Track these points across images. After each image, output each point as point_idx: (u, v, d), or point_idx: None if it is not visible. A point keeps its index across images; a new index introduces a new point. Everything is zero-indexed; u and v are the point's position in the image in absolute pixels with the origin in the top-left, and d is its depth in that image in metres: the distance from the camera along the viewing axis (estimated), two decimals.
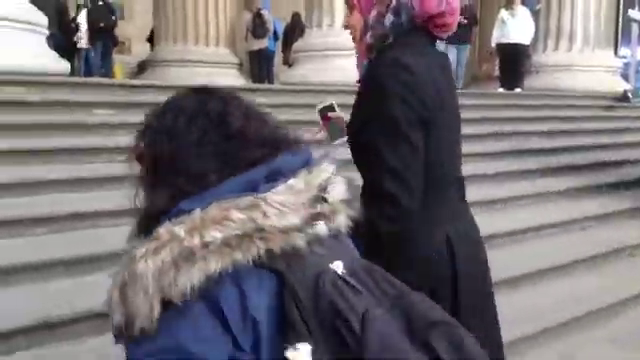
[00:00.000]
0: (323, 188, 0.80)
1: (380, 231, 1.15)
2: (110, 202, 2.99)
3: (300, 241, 0.75)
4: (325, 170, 0.82)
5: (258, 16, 9.15)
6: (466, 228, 1.29)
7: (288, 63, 9.96)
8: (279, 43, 10.13)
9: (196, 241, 0.71)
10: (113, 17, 9.21)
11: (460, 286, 1.22)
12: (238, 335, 0.71)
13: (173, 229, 0.73)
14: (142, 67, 10.09)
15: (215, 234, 0.72)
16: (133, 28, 11.00)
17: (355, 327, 0.71)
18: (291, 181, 0.79)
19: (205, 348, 0.70)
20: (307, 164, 0.83)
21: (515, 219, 4.03)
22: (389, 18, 1.22)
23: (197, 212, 0.74)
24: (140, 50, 10.77)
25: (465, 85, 9.65)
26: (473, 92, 8.11)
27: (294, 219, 0.75)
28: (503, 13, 8.73)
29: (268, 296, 0.73)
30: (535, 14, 9.17)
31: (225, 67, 7.76)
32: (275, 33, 9.66)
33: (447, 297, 1.21)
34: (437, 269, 1.21)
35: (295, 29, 9.81)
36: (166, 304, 0.71)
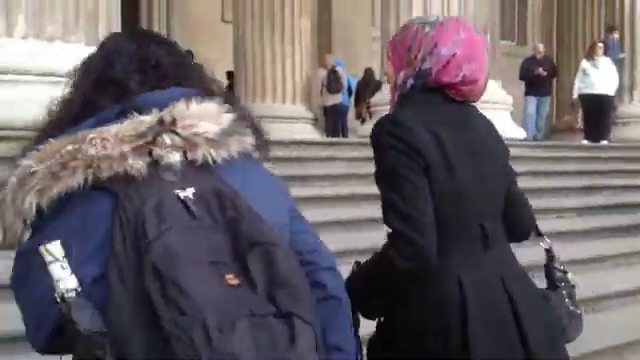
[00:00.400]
0: (171, 122, 0.87)
1: (399, 270, 1.22)
2: None
3: (132, 167, 0.84)
4: (182, 107, 0.89)
5: (333, 72, 9.42)
6: (489, 279, 1.29)
7: (361, 117, 10.10)
8: (352, 98, 10.34)
9: (31, 170, 0.85)
10: None
11: (470, 334, 1.23)
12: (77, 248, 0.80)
13: (22, 160, 0.88)
14: None
15: (40, 165, 0.85)
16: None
17: (149, 235, 0.78)
18: (141, 117, 0.88)
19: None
20: (178, 101, 0.90)
21: (624, 279, 3.78)
22: (410, 82, 1.33)
23: (47, 145, 0.87)
24: None
25: (545, 137, 9.37)
26: (557, 144, 7.85)
27: (122, 148, 0.85)
28: (585, 64, 8.50)
29: (103, 214, 0.83)
30: (618, 63, 8.86)
31: (301, 122, 8.00)
32: (349, 88, 9.87)
33: (458, 347, 1.23)
34: (447, 313, 1.25)
35: (368, 84, 9.99)
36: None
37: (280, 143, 5.31)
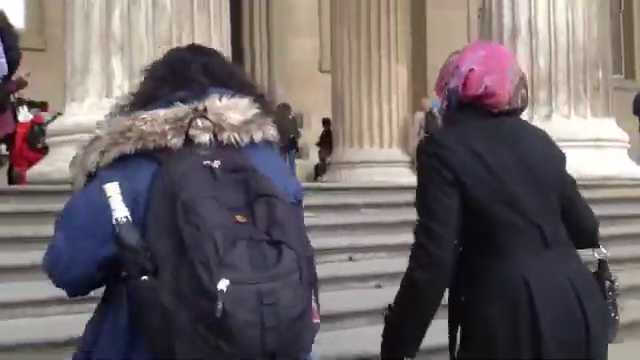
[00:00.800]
0: (203, 110, 1.12)
1: (415, 281, 1.35)
2: None
3: (171, 142, 1.10)
4: (214, 100, 1.15)
5: (430, 114, 9.43)
6: (554, 277, 1.36)
7: None
8: None
9: (98, 136, 1.15)
10: (300, 129, 10.27)
11: (542, 331, 1.30)
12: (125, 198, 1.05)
13: (96, 129, 1.17)
14: (318, 170, 10.84)
15: (106, 134, 1.13)
16: (311, 135, 11.89)
17: (182, 186, 1.03)
18: (182, 106, 1.14)
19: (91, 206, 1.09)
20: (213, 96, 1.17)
21: None
22: (444, 102, 1.49)
23: (114, 120, 1.17)
24: (314, 155, 11.58)
25: None
26: None
27: (164, 127, 1.11)
28: None
29: (146, 176, 1.09)
30: None
31: (398, 166, 8.02)
32: None
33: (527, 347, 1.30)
34: (516, 311, 1.32)
35: None
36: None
37: (378, 188, 5.35)
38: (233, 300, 0.96)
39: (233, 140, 1.15)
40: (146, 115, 1.13)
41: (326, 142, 10.55)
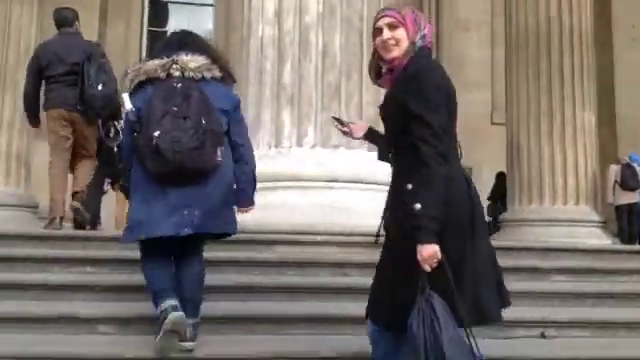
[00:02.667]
0: (176, 61, 2.71)
1: (442, 173, 1.96)
2: None
3: (157, 74, 2.69)
4: (182, 56, 2.74)
5: (628, 167, 8.27)
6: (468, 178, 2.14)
7: None
8: None
9: (127, 72, 2.80)
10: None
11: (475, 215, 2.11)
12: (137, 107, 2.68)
13: (127, 70, 2.83)
14: (490, 227, 10.03)
15: (131, 72, 2.76)
16: (482, 189, 11.24)
17: (155, 95, 2.67)
18: (165, 59, 2.73)
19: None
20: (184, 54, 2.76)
21: None
22: (419, 42, 2.15)
23: (137, 65, 2.82)
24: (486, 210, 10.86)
25: None
26: None
27: (157, 68, 2.69)
28: None
29: (149, 91, 2.68)
30: None
31: (586, 225, 7.01)
32: None
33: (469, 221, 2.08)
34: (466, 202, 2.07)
35: None
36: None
37: (569, 250, 4.61)
38: (160, 139, 2.50)
39: (191, 75, 2.69)
40: (148, 63, 2.74)
41: (498, 197, 9.79)
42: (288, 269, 3.63)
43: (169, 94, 2.59)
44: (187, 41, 2.80)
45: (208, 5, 11.86)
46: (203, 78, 2.68)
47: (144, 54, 11.23)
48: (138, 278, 2.89)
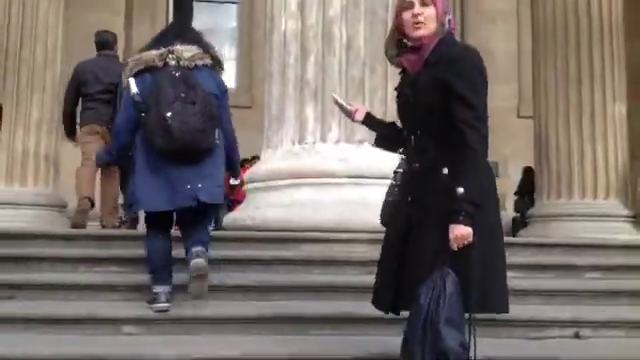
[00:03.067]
0: (172, 51, 3.12)
1: (484, 150, 1.99)
2: None
3: (155, 63, 3.11)
4: (177, 46, 3.16)
5: None
6: None
7: None
8: None
9: (128, 62, 3.29)
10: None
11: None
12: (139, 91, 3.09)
13: (129, 60, 3.35)
14: (515, 223, 9.85)
15: (132, 61, 3.22)
16: (509, 184, 11.02)
17: (159, 83, 3.06)
18: (162, 49, 3.15)
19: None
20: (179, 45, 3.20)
21: None
22: (447, 25, 2.12)
23: (137, 55, 3.26)
24: (512, 206, 10.67)
25: None
26: None
27: (154, 58, 3.11)
28: None
29: (147, 79, 3.10)
30: None
31: (615, 221, 6.81)
32: None
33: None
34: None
35: None
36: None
37: (602, 246, 4.48)
38: (172, 119, 2.91)
39: (186, 64, 3.10)
40: (146, 53, 3.15)
41: (525, 192, 9.60)
42: (314, 267, 3.58)
43: (173, 82, 3.02)
44: (181, 32, 3.28)
45: (232, 2, 11.86)
46: (196, 66, 3.13)
47: None
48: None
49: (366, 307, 3.07)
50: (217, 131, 3.07)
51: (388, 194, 2.24)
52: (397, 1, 2.19)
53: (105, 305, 3.16)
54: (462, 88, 1.96)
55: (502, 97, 11.61)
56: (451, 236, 1.91)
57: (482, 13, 11.76)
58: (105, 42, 5.42)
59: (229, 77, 11.69)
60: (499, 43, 11.65)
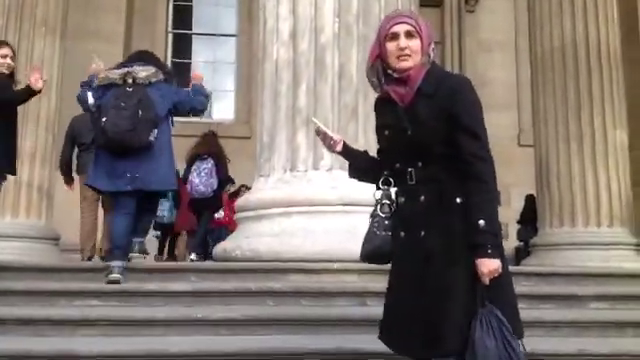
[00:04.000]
0: (131, 72, 4.09)
1: (491, 186, 1.94)
2: None
3: (116, 80, 4.07)
4: (135, 67, 4.14)
5: None
6: None
7: None
8: None
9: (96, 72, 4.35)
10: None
11: None
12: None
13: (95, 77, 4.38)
14: (519, 252, 9.68)
15: (99, 76, 4.21)
16: (511, 213, 10.89)
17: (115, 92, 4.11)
18: (124, 69, 4.14)
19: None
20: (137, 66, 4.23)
21: None
22: (432, 53, 2.08)
23: (102, 73, 4.26)
24: (514, 235, 10.52)
25: None
26: None
27: (115, 76, 4.09)
28: None
29: (109, 92, 4.08)
30: None
31: (621, 248, 6.65)
32: None
33: None
34: None
35: None
36: None
37: (605, 275, 4.31)
38: (105, 123, 3.92)
39: (141, 82, 4.06)
40: (110, 72, 4.12)
41: (528, 220, 9.45)
42: (303, 299, 3.43)
43: (121, 94, 3.98)
44: (141, 56, 4.30)
45: (231, 36, 11.95)
46: (150, 83, 4.08)
47: None
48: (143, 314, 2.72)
49: (358, 341, 2.93)
50: (155, 131, 3.95)
51: (378, 227, 2.12)
52: (380, 29, 2.11)
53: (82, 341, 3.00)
54: (467, 119, 1.96)
55: (502, 126, 11.55)
56: (483, 271, 1.86)
57: (479, 42, 11.81)
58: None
59: (228, 109, 11.69)
60: (497, 72, 11.67)
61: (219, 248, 4.51)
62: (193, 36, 11.94)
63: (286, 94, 4.53)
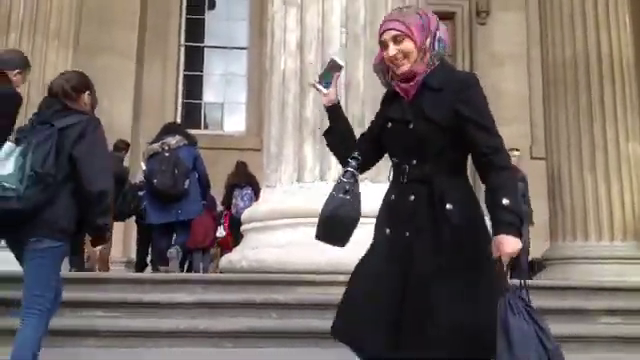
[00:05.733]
0: (165, 142, 5.64)
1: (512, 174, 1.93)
2: None
3: (156, 150, 5.64)
4: (169, 140, 5.68)
5: None
6: None
7: None
8: None
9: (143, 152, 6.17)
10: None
11: None
12: None
13: None
14: (532, 266, 9.53)
15: (145, 150, 6.33)
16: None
17: None
18: (161, 142, 5.77)
19: None
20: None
21: None
22: (440, 49, 2.03)
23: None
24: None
25: None
26: None
27: (155, 147, 5.69)
28: None
29: (152, 161, 5.81)
30: None
31: (632, 263, 6.54)
32: None
33: None
34: None
35: None
36: None
37: (617, 290, 4.22)
38: (155, 180, 5.56)
39: (174, 147, 5.71)
40: (151, 146, 5.80)
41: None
42: (309, 312, 3.39)
43: (163, 160, 5.47)
44: (170, 130, 5.86)
45: (242, 49, 12.03)
46: (178, 147, 5.59)
47: (180, 98, 11.52)
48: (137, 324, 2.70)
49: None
50: (187, 181, 5.48)
51: (337, 190, 2.09)
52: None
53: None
54: (477, 115, 1.95)
55: (514, 138, 11.43)
56: (506, 250, 1.81)
57: (491, 55, 11.76)
58: (115, 147, 6.76)
59: (240, 121, 11.73)
60: (509, 84, 11.59)
61: (225, 259, 4.49)
62: (205, 49, 12.02)
63: (293, 105, 4.52)
